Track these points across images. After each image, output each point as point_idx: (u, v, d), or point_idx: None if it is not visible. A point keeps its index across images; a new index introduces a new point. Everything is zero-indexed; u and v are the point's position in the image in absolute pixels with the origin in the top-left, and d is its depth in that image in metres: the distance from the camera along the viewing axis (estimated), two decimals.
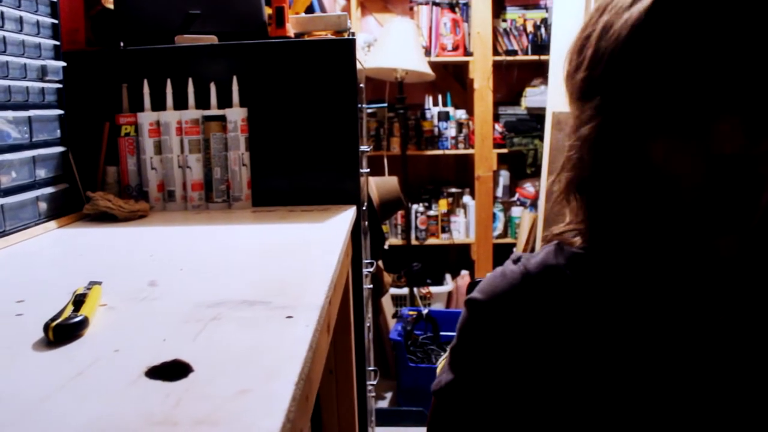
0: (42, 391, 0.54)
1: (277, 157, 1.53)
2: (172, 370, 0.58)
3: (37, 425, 0.49)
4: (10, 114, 1.23)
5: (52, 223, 1.32)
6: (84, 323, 0.69)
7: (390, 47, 3.15)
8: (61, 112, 1.40)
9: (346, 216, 1.36)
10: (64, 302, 0.75)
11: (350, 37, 1.55)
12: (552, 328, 0.73)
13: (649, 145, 0.67)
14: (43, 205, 1.33)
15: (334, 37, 1.60)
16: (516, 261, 0.78)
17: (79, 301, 0.74)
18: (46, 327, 0.67)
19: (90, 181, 1.50)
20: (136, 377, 0.57)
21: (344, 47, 1.51)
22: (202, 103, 1.50)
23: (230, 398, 0.52)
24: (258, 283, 0.87)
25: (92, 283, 0.82)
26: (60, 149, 1.40)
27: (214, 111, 1.49)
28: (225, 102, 1.50)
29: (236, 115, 1.48)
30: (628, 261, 0.72)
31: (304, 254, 1.05)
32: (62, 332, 0.66)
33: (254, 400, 0.52)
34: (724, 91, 0.62)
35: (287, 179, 1.53)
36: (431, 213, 3.56)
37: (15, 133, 1.26)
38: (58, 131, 1.40)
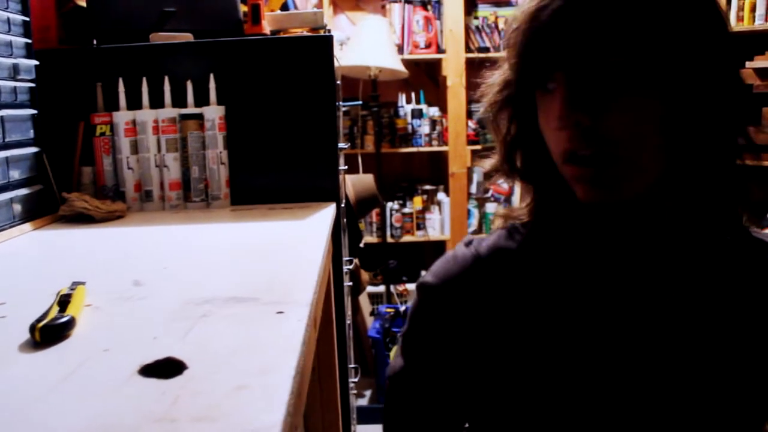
0: (34, 392, 0.53)
1: (255, 156, 1.52)
2: (166, 368, 0.57)
3: (34, 425, 0.48)
4: None
5: (27, 225, 1.30)
6: (71, 323, 0.68)
7: (363, 45, 3.14)
8: (34, 111, 1.38)
9: (327, 213, 1.36)
10: (48, 304, 0.73)
11: (327, 34, 1.54)
12: (501, 308, 0.75)
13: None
14: (17, 207, 1.31)
15: (310, 34, 1.60)
16: (468, 244, 0.80)
17: (64, 301, 0.73)
18: (33, 328, 0.65)
19: (65, 182, 1.47)
20: (129, 376, 0.56)
21: (321, 44, 1.50)
22: (179, 101, 1.48)
23: (228, 394, 0.52)
24: (245, 280, 0.86)
25: (76, 284, 0.80)
26: (33, 150, 1.37)
27: (191, 109, 1.47)
28: (202, 100, 1.48)
29: (214, 113, 1.47)
30: (562, 232, 0.76)
31: (288, 252, 1.05)
32: (49, 333, 0.65)
33: (253, 395, 0.52)
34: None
35: (266, 177, 1.52)
36: (406, 210, 3.57)
37: None
38: (32, 131, 1.38)
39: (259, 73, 1.50)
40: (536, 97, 0.72)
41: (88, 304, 0.77)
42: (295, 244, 1.10)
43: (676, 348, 0.71)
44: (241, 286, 0.83)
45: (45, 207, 1.39)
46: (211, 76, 1.48)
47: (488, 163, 0.83)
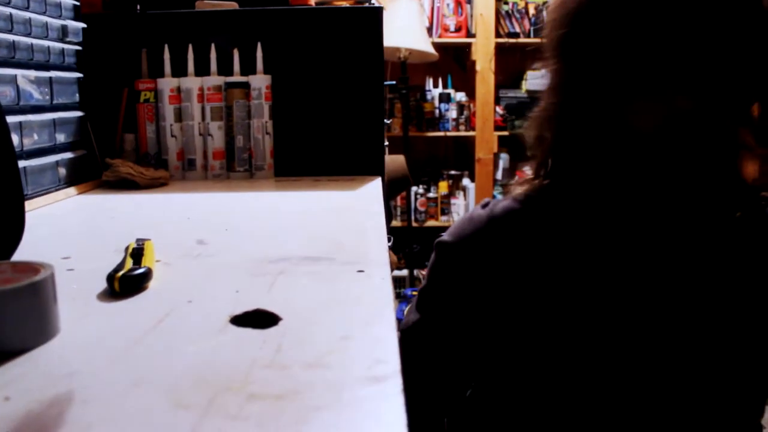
0: (128, 336, 0.51)
1: (300, 127, 1.49)
2: (259, 319, 0.55)
3: (138, 365, 0.46)
4: (32, 73, 1.18)
5: (72, 190, 1.28)
6: (148, 275, 0.65)
7: (394, 26, 3.11)
8: (80, 75, 1.35)
9: (375, 185, 1.33)
10: (113, 258, 0.71)
11: (376, 5, 1.51)
12: (514, 266, 0.76)
13: (624, 105, 0.73)
14: (62, 171, 1.29)
15: (356, 5, 1.56)
16: (484, 206, 0.82)
17: (137, 254, 0.71)
18: (111, 278, 0.63)
19: (107, 148, 1.45)
20: (222, 325, 0.54)
21: (371, 15, 1.47)
22: (225, 69, 1.46)
23: (334, 344, 0.49)
24: (313, 241, 0.84)
25: (141, 240, 0.78)
26: (79, 114, 1.35)
27: (237, 78, 1.44)
28: (248, 69, 1.46)
29: (260, 82, 1.44)
30: (585, 196, 0.76)
31: (348, 216, 1.02)
32: (129, 283, 0.63)
33: (362, 344, 0.49)
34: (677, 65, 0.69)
35: (310, 149, 1.49)
36: (431, 195, 3.54)
37: (37, 94, 1.21)
38: (77, 95, 1.36)
39: (307, 44, 1.47)
40: None
41: (157, 260, 0.75)
42: (353, 210, 1.07)
43: (681, 317, 0.73)
44: (310, 247, 0.81)
45: (88, 172, 1.37)
46: (258, 44, 1.45)
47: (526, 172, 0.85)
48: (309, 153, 1.49)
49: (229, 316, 0.55)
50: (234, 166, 1.46)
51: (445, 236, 0.83)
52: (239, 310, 0.57)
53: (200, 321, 0.55)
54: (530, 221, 0.77)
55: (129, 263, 0.68)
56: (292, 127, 1.49)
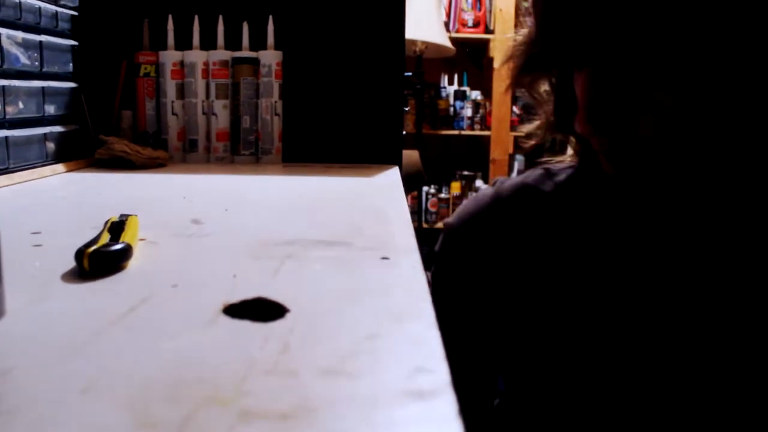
0: (90, 325, 0.39)
1: (312, 109, 1.37)
2: (260, 310, 0.43)
3: (95, 358, 0.34)
4: (19, 35, 1.06)
5: (60, 166, 1.16)
6: (127, 252, 0.54)
7: (410, 18, 2.98)
8: (74, 43, 1.24)
9: (393, 173, 1.21)
10: (90, 235, 0.59)
11: None
12: (519, 251, 0.71)
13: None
14: (51, 146, 1.17)
15: None
16: (493, 184, 0.78)
17: (116, 229, 0.59)
18: (80, 254, 0.51)
19: (102, 125, 1.33)
20: (213, 316, 0.42)
21: None
22: (233, 44, 1.34)
23: (358, 344, 0.37)
24: (326, 224, 0.72)
25: (126, 215, 0.66)
26: (71, 85, 1.24)
27: (246, 53, 1.33)
28: (258, 44, 1.34)
29: (271, 58, 1.32)
30: (603, 183, 0.69)
31: (366, 200, 0.90)
32: (101, 261, 0.51)
33: (394, 346, 0.37)
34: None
35: (323, 134, 1.37)
36: (442, 195, 3.42)
37: (24, 59, 1.09)
38: (71, 65, 1.24)
39: (321, 18, 1.35)
40: None
41: (141, 238, 0.63)
42: (371, 196, 0.95)
43: (698, 302, 0.65)
44: (323, 230, 0.69)
45: (80, 149, 1.25)
46: (270, 18, 1.33)
47: (529, 127, 0.77)
48: (321, 137, 1.38)
49: (222, 305, 0.43)
50: (239, 149, 1.35)
51: (450, 219, 0.79)
52: (236, 298, 0.45)
53: (185, 309, 0.43)
54: (543, 200, 0.71)
55: (105, 238, 0.56)
56: (304, 109, 1.37)
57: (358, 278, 0.51)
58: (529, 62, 0.69)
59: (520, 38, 0.71)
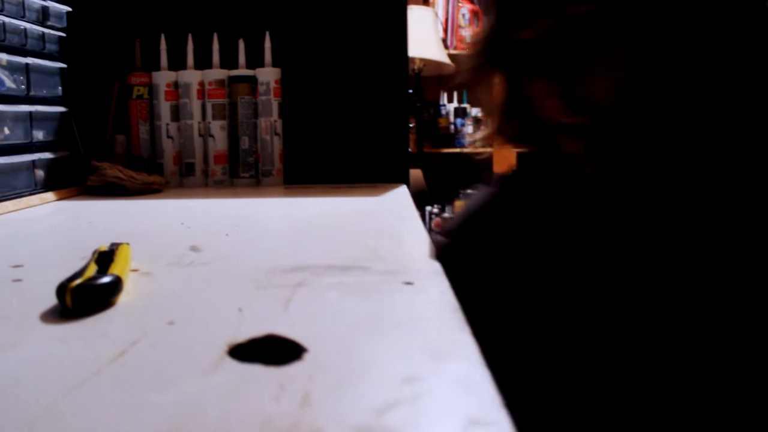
0: (67, 378, 0.33)
1: (313, 127, 1.31)
2: (273, 350, 0.37)
3: (69, 425, 0.27)
4: (4, 57, 1.01)
5: (50, 195, 1.10)
6: (116, 285, 0.47)
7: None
8: (63, 65, 1.18)
9: (402, 191, 1.15)
10: (78, 267, 0.52)
11: None
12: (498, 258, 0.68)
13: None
14: (39, 173, 1.11)
15: None
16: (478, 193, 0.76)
17: (104, 259, 0.53)
18: (62, 289, 0.44)
19: (94, 150, 1.28)
20: (216, 358, 0.35)
21: (394, 2, 1.30)
22: (229, 62, 1.28)
23: (394, 390, 0.30)
24: (338, 248, 0.65)
25: (116, 244, 0.60)
26: (61, 109, 1.18)
27: (242, 71, 1.27)
28: (255, 62, 1.28)
29: (269, 75, 1.27)
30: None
31: (377, 221, 0.84)
32: (85, 296, 0.44)
33: (437, 391, 0.30)
34: None
35: (325, 153, 1.31)
36: (446, 215, 3.35)
37: (9, 82, 1.03)
38: (59, 88, 1.18)
39: (321, 34, 1.30)
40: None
41: (134, 269, 0.57)
42: (382, 216, 0.89)
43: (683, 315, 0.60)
44: (335, 254, 0.62)
45: (71, 176, 1.19)
46: (267, 34, 1.28)
47: (478, 135, 0.77)
48: (323, 157, 1.31)
49: (227, 345, 0.37)
50: (238, 172, 1.28)
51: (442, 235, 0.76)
52: (243, 336, 0.38)
53: (184, 352, 0.37)
54: (505, 207, 0.70)
55: (91, 270, 0.49)
56: (305, 128, 1.31)
57: (382, 308, 0.44)
58: (483, 62, 0.66)
59: (475, 39, 0.69)
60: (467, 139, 3.32)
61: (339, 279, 0.52)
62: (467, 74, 0.69)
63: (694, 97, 0.56)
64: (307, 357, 0.35)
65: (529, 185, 0.71)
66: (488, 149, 3.32)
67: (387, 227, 0.79)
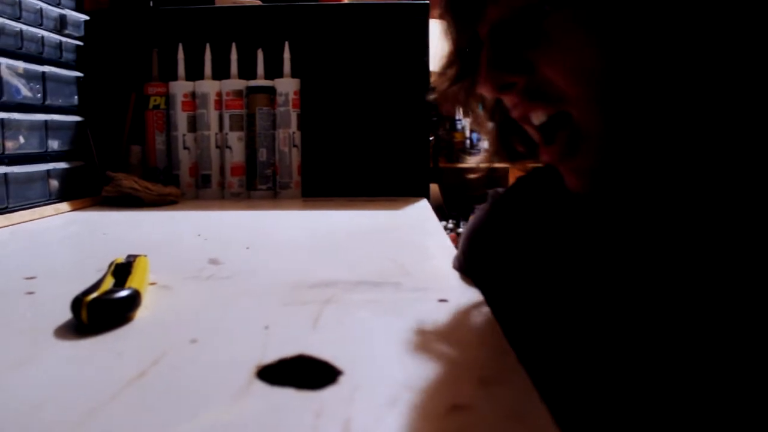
0: (83, 402, 0.30)
1: (332, 139, 1.29)
2: (305, 371, 0.34)
3: None
4: (20, 65, 0.99)
5: (64, 205, 1.08)
6: (134, 299, 0.44)
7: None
8: (80, 74, 1.16)
9: (423, 205, 1.12)
10: (93, 280, 0.50)
11: (423, 0, 1.32)
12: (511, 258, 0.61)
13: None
14: (54, 183, 1.09)
15: (397, 0, 1.37)
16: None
17: (121, 272, 0.50)
18: (77, 303, 0.42)
19: (110, 161, 1.26)
20: (245, 381, 0.32)
21: (416, 13, 1.28)
22: (247, 72, 1.26)
23: (441, 420, 0.27)
24: (364, 263, 0.63)
25: (133, 256, 0.57)
26: (76, 118, 1.16)
27: (261, 81, 1.25)
28: (274, 72, 1.26)
29: (288, 86, 1.24)
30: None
31: (401, 235, 0.81)
32: (102, 311, 0.42)
33: (486, 422, 0.27)
34: None
35: (344, 165, 1.29)
36: (461, 230, 3.32)
37: (25, 90, 1.02)
38: (76, 97, 1.16)
39: (340, 44, 1.28)
40: None
41: (152, 282, 0.54)
42: (406, 230, 0.86)
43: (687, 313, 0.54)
44: (362, 269, 0.59)
45: (86, 187, 1.17)
46: (286, 44, 1.26)
47: (475, 160, 0.70)
48: (342, 170, 1.29)
49: (255, 367, 0.34)
50: (255, 184, 1.26)
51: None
52: (271, 357, 0.35)
53: (209, 373, 0.34)
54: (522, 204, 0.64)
55: (108, 284, 0.47)
56: (324, 140, 1.29)
57: (418, 326, 0.41)
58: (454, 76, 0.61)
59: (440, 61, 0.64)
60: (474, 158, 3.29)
61: (369, 296, 0.49)
62: (442, 96, 0.65)
63: (678, 87, 0.51)
64: (342, 380, 0.32)
65: (517, 202, 0.68)
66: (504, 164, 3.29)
67: (412, 242, 0.76)
